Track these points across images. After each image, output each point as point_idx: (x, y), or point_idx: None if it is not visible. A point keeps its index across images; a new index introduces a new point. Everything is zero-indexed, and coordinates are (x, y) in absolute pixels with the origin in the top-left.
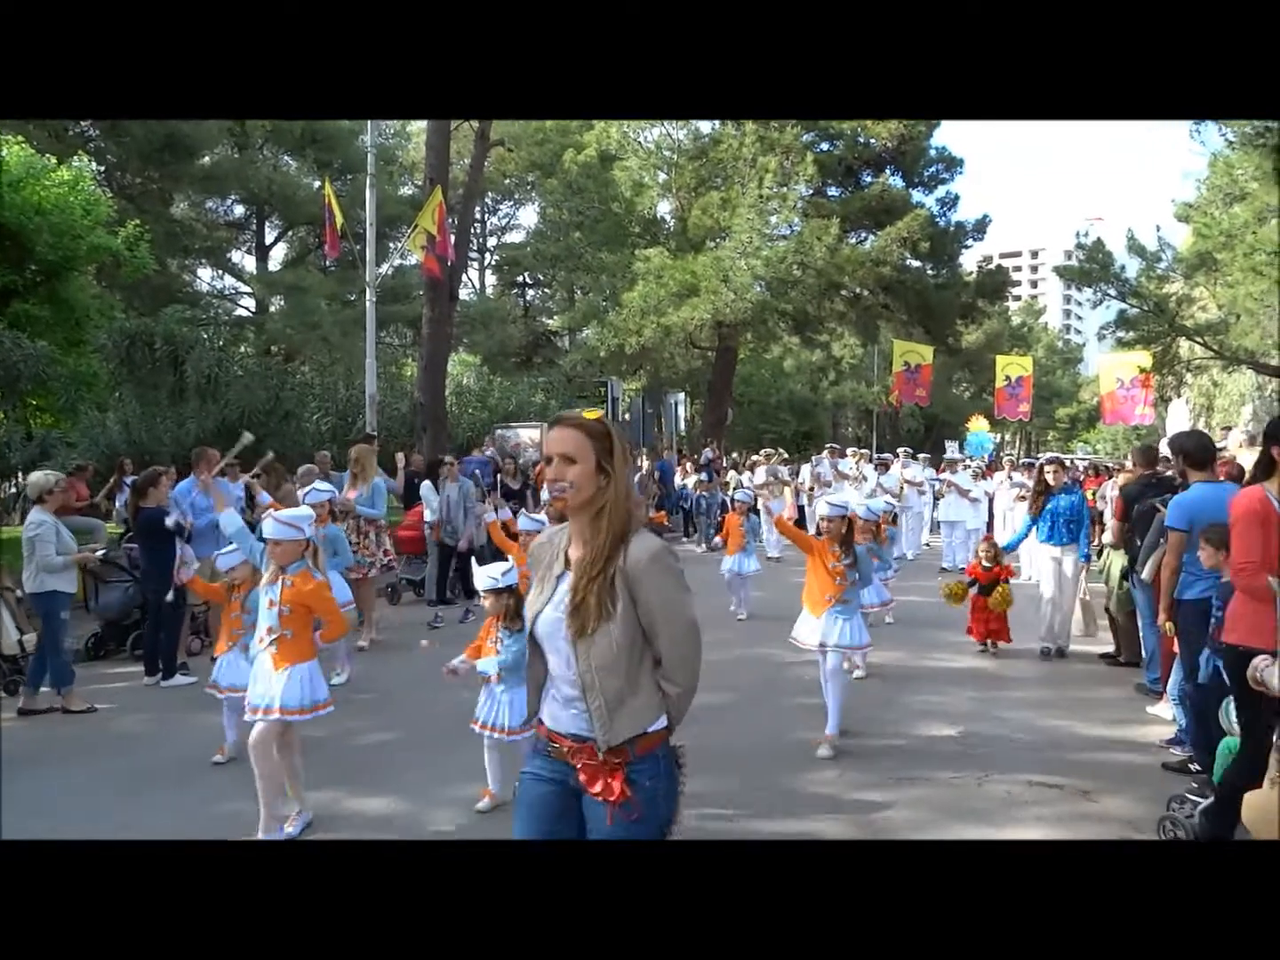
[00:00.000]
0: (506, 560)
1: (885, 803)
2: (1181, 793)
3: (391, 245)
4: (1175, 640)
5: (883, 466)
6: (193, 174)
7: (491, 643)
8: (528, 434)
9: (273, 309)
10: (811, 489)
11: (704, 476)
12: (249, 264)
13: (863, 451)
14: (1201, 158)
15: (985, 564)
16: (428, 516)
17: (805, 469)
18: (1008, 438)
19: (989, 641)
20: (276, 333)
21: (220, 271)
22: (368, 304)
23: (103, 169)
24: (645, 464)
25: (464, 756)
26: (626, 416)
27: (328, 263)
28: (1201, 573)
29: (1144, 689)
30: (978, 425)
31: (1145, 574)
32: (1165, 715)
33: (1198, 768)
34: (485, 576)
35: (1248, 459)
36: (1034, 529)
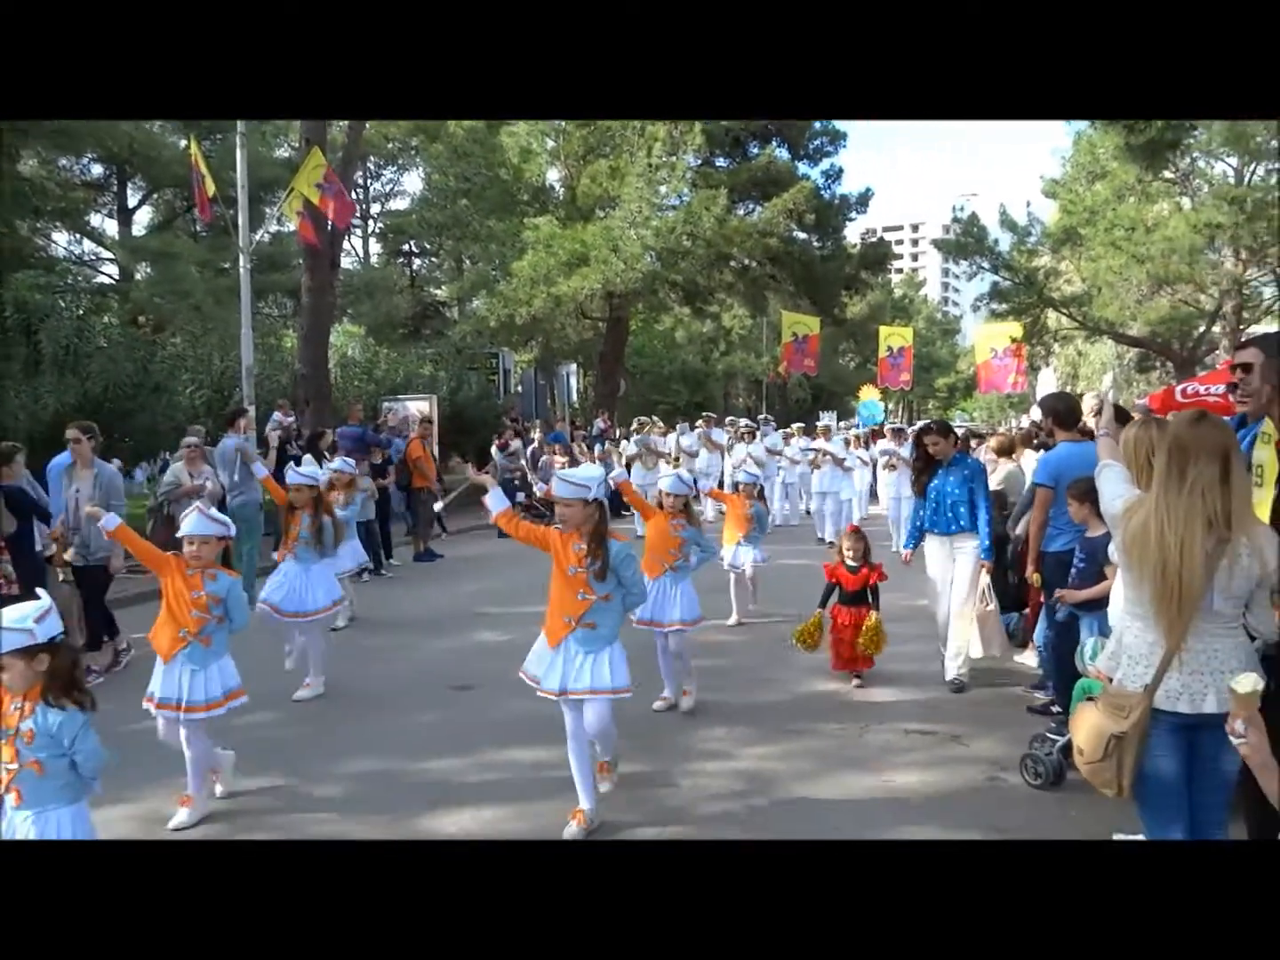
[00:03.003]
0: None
1: (771, 754)
2: (1042, 732)
3: (267, 210)
4: (1041, 591)
5: (749, 435)
6: (41, 128)
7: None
8: (416, 406)
9: (139, 276)
10: (676, 459)
11: (598, 447)
12: (111, 228)
13: (741, 421)
14: (1069, 136)
15: (850, 563)
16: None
17: (670, 438)
18: (890, 406)
19: (855, 673)
20: (143, 301)
21: (78, 235)
22: (242, 271)
23: None
24: (536, 436)
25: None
26: (519, 389)
27: (199, 228)
28: (1065, 526)
29: (1011, 638)
30: (869, 394)
31: (1019, 529)
32: (1031, 663)
33: (1059, 709)
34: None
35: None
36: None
